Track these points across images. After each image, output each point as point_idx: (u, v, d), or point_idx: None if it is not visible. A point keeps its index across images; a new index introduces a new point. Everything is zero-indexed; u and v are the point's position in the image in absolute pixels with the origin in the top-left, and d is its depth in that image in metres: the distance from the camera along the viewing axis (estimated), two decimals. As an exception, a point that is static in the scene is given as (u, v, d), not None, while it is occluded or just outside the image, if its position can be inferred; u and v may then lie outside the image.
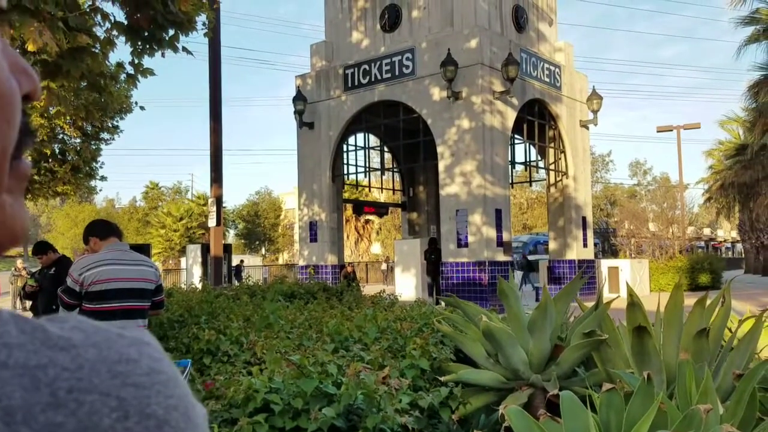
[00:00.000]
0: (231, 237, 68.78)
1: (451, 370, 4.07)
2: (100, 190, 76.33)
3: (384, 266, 38.31)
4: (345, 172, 20.36)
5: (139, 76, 7.55)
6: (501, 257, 16.50)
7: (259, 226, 66.18)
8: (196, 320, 6.10)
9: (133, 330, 0.41)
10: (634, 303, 3.73)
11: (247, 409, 3.36)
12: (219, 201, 15.59)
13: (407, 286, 18.07)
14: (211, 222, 15.62)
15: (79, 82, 7.35)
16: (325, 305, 6.97)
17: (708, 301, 3.98)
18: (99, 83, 7.43)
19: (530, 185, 37.06)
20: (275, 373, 3.53)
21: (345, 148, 20.23)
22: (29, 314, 8.76)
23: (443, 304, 5.70)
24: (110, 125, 16.72)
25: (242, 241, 67.32)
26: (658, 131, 32.84)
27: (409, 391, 3.67)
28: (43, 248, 8.41)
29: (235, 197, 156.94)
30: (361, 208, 22.64)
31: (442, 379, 3.97)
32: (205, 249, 16.59)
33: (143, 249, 21.07)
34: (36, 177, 16.58)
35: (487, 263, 16.11)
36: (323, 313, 6.09)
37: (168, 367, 0.40)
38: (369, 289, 14.30)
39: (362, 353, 4.08)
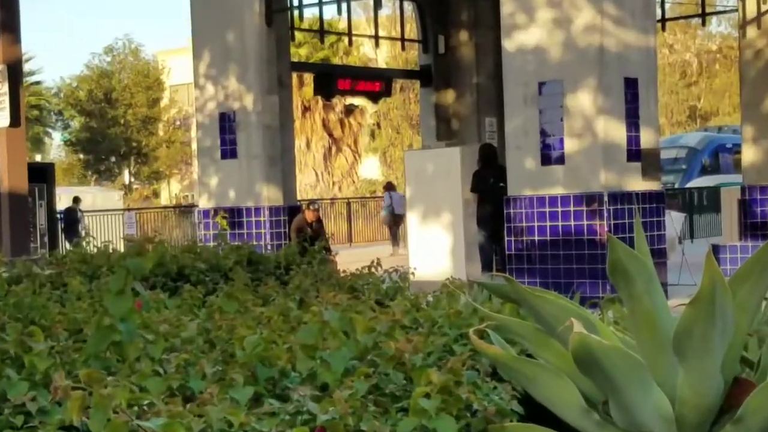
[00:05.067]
0: (55, 148, 43.51)
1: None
2: None
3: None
4: (293, 3, 14.23)
5: None
6: (637, 183, 10.72)
7: (116, 124, 37.99)
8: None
9: None
10: None
11: None
12: (17, 70, 12.06)
13: (433, 250, 12.28)
14: (1, 118, 11.72)
15: None
16: (248, 297, 4.88)
17: None
18: None
19: (703, 25, 25.22)
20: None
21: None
22: None
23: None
24: None
25: (80, 157, 40.20)
26: None
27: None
28: None
29: (63, 64, 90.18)
30: (332, 81, 15.22)
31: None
32: (-8, 177, 12.59)
33: None
34: None
35: (606, 197, 10.43)
36: (239, 318, 4.24)
37: None
38: (354, 257, 11.59)
39: (313, 405, 2.77)
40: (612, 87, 10.36)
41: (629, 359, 2.48)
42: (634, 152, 10.58)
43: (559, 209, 10.61)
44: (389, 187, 22.77)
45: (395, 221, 21.34)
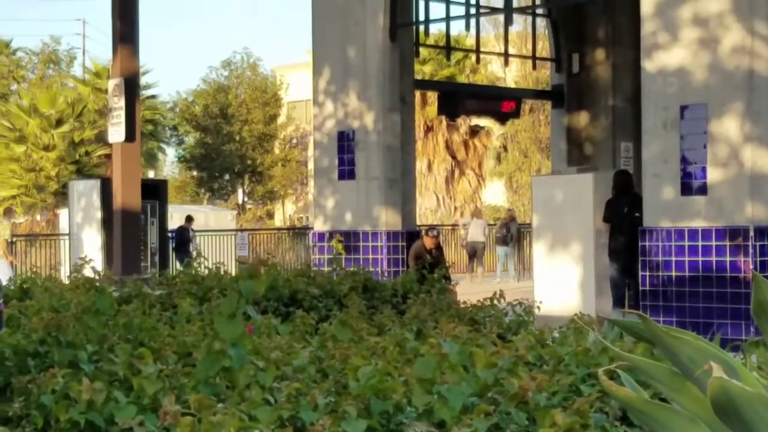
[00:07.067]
0: (169, 164, 42.30)
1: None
2: None
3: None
4: (419, 18, 13.27)
5: None
6: (787, 218, 10.15)
7: (231, 141, 36.05)
8: (71, 355, 4.08)
9: None
10: None
11: None
12: (134, 84, 11.29)
13: (560, 283, 11.54)
14: (116, 133, 11.00)
15: None
16: (362, 325, 4.81)
17: None
18: None
19: None
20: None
21: (417, -31, 13.74)
22: None
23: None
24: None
25: (193, 174, 38.30)
26: None
27: None
28: None
29: (179, 78, 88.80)
30: (457, 101, 14.37)
31: None
32: (108, 191, 12.16)
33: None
34: None
35: (752, 231, 9.86)
36: (353, 347, 4.09)
37: None
38: (474, 288, 12.38)
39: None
40: (761, 113, 9.60)
41: (772, 409, 2.75)
42: (786, 182, 9.76)
43: (700, 243, 9.93)
44: (478, 213, 22.00)
45: (471, 248, 20.71)
